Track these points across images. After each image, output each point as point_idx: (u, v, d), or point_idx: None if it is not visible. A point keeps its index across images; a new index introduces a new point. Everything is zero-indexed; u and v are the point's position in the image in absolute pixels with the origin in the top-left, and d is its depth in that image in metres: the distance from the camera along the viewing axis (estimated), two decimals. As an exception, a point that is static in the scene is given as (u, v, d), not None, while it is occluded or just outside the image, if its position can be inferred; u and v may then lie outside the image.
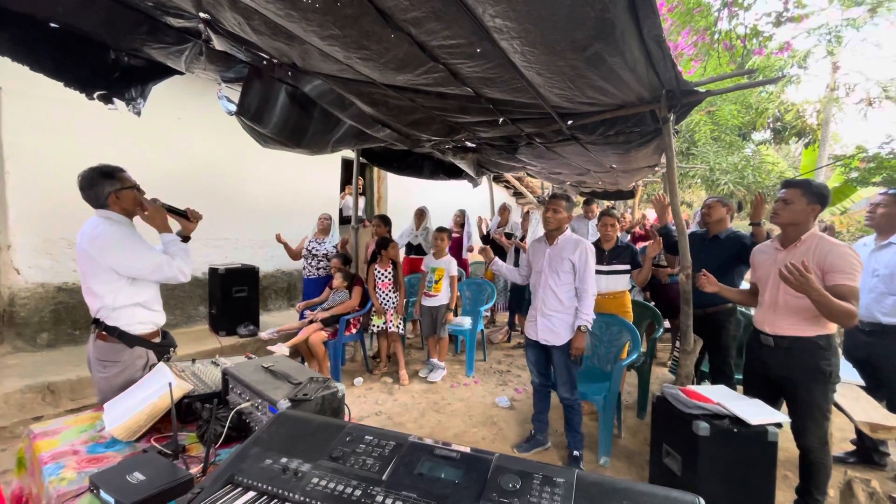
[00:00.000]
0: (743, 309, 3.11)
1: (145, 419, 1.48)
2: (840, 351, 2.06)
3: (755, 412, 1.87)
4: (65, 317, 3.96)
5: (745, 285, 2.82)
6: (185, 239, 2.04)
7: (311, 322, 3.89)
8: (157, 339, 1.99)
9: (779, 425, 1.84)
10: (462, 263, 5.85)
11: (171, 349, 2.03)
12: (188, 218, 2.05)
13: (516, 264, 4.43)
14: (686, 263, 2.62)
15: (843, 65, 8.85)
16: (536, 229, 5.03)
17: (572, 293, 2.65)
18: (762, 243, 2.38)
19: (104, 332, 1.83)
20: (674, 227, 2.90)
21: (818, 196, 2.03)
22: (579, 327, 2.58)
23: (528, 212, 5.36)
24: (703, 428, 1.82)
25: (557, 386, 2.72)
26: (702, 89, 2.57)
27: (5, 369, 3.36)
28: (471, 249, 5.77)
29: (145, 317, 1.91)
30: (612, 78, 2.13)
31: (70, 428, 1.52)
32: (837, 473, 2.43)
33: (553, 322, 2.65)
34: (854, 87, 8.40)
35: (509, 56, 1.92)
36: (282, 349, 3.61)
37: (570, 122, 2.97)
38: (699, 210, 3.32)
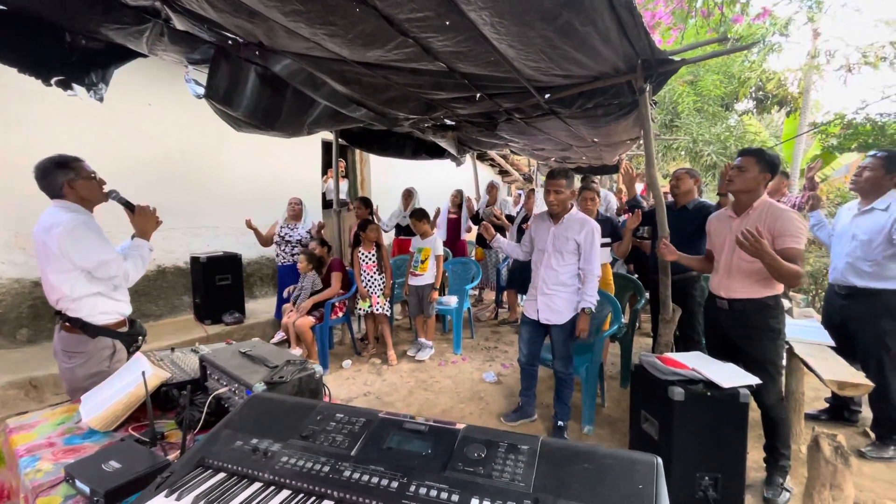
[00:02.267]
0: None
1: (122, 409, 1.47)
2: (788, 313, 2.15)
3: (727, 376, 1.93)
4: (43, 311, 3.88)
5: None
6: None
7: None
8: (124, 329, 1.96)
9: (750, 388, 1.90)
10: (461, 244, 5.84)
11: (140, 338, 2.01)
12: (133, 211, 1.99)
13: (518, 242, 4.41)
14: (663, 234, 2.64)
15: (823, 31, 8.84)
16: (542, 208, 5.01)
17: (575, 272, 2.64)
18: (717, 212, 2.44)
19: (67, 324, 1.81)
20: (643, 200, 2.92)
21: (770, 164, 2.10)
22: (583, 309, 2.58)
23: (531, 191, 5.33)
24: (677, 393, 1.87)
25: (554, 361, 2.74)
26: (677, 58, 2.55)
27: (-15, 367, 3.31)
28: (469, 230, 5.76)
29: (108, 306, 1.88)
30: (585, 48, 2.10)
31: (47, 421, 1.51)
32: (809, 430, 2.53)
33: (554, 301, 2.64)
34: (834, 54, 8.40)
35: (480, 28, 1.88)
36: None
37: (547, 96, 2.94)
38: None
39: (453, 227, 5.87)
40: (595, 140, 4.68)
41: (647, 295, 3.81)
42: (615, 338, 3.46)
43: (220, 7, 1.83)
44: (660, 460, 0.79)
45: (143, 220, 1.99)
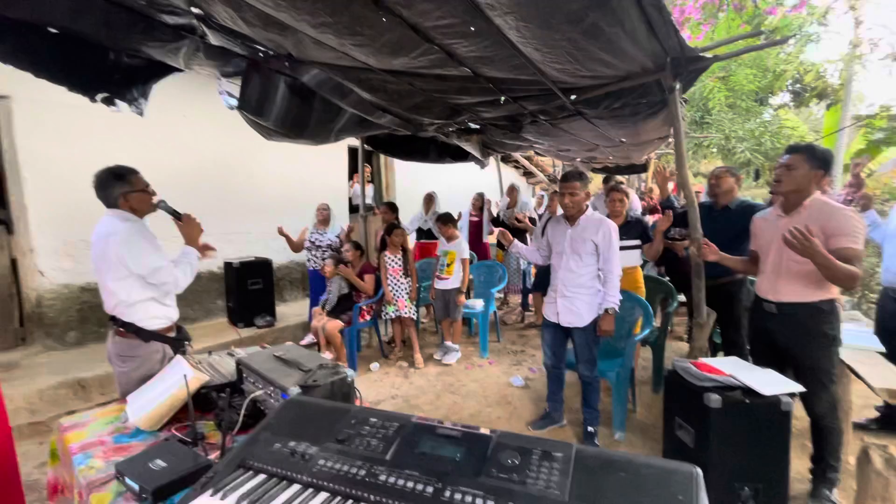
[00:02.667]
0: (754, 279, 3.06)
1: (166, 410, 1.54)
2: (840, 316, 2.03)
3: (768, 382, 1.85)
4: (90, 315, 4.10)
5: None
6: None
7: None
8: (172, 334, 2.06)
9: (793, 395, 1.82)
10: (483, 247, 5.83)
11: (186, 343, 2.10)
12: (180, 219, 2.09)
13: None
14: (696, 235, 2.57)
15: (866, 19, 8.40)
16: None
17: (594, 274, 2.61)
18: (763, 211, 2.33)
19: (121, 329, 1.90)
20: (676, 200, 2.84)
21: (821, 161, 1.98)
22: (606, 310, 2.55)
23: (555, 192, 5.28)
24: (714, 400, 1.81)
25: (578, 364, 2.70)
26: (709, 54, 2.48)
27: (38, 367, 3.52)
28: (491, 232, 5.75)
29: (159, 311, 1.98)
30: (612, 49, 2.07)
31: (97, 420, 1.60)
32: (858, 441, 2.41)
33: (574, 304, 2.61)
34: (878, 43, 7.97)
35: (505, 33, 1.88)
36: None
37: (573, 97, 2.91)
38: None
39: (475, 231, 5.86)
40: (623, 140, 4.59)
41: (681, 297, 3.71)
42: (646, 342, 3.38)
43: (252, 22, 1.90)
44: (699, 471, 0.77)
45: (190, 227, 2.10)
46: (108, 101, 2.56)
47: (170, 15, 2.06)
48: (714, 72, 9.22)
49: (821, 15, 7.98)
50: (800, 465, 2.26)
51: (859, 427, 2.80)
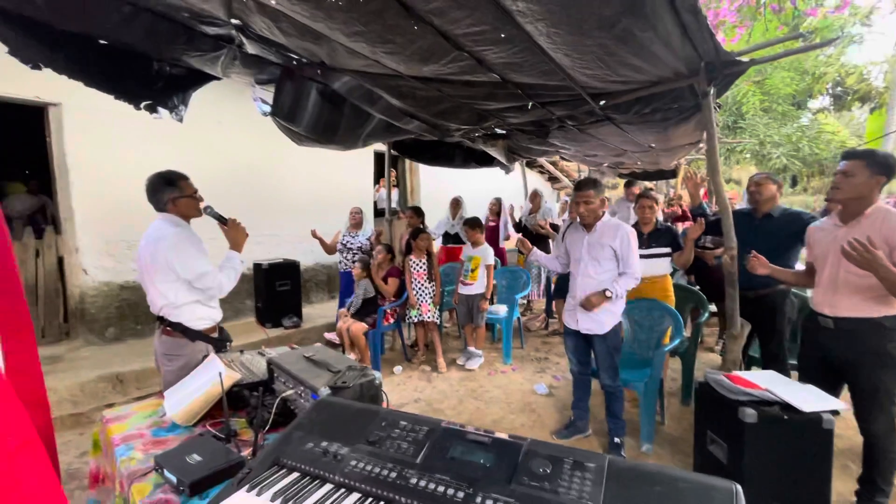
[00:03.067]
0: (796, 290, 2.93)
1: (200, 406, 1.60)
2: None
3: (808, 398, 1.77)
4: (128, 313, 4.28)
5: (800, 266, 2.65)
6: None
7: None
8: (215, 335, 2.13)
9: (835, 412, 1.74)
10: (499, 252, 5.81)
11: (228, 343, 2.17)
12: (225, 223, 2.16)
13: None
14: (730, 244, 2.49)
15: (913, 19, 7.99)
16: None
17: (613, 280, 2.57)
18: (819, 220, 2.22)
19: (168, 328, 1.98)
20: (708, 207, 2.76)
21: (883, 167, 1.87)
22: (605, 291, 2.51)
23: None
24: (749, 415, 1.75)
25: (599, 373, 2.67)
26: (746, 58, 2.41)
27: (80, 361, 3.69)
28: (507, 238, 5.73)
29: (205, 313, 2.05)
30: (644, 54, 2.05)
31: (136, 413, 1.67)
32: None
33: (594, 311, 2.58)
34: (927, 43, 7.57)
35: (535, 39, 1.88)
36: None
37: (602, 103, 2.88)
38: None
39: (492, 235, 5.84)
40: (652, 145, 4.50)
41: (712, 308, 3.60)
42: (676, 352, 3.29)
43: (288, 32, 1.96)
44: (739, 488, 0.75)
45: (235, 232, 2.15)
46: (151, 109, 2.68)
47: (210, 26, 2.15)
48: (749, 76, 8.95)
49: (864, 15, 7.64)
50: (840, 486, 2.16)
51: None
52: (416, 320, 4.17)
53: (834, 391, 1.99)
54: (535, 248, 2.94)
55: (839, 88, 9.55)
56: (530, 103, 2.89)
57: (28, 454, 0.59)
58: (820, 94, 9.53)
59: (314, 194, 5.86)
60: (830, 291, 1.99)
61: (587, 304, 2.53)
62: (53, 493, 0.63)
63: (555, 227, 5.22)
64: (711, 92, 2.45)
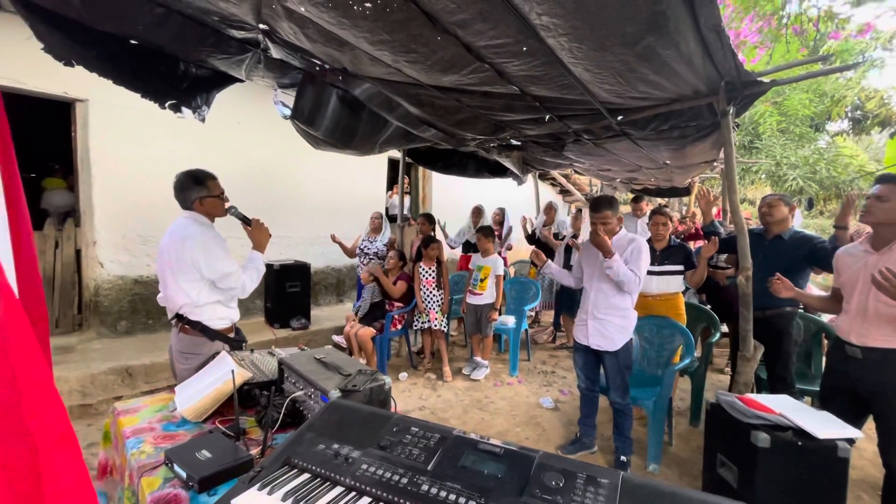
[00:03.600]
0: (801, 310, 2.89)
1: (210, 402, 1.61)
2: None
3: (823, 425, 1.74)
4: (140, 307, 4.34)
5: (814, 290, 2.63)
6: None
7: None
8: (232, 335, 2.14)
9: (851, 441, 1.70)
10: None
11: (244, 344, 2.18)
12: (249, 224, 2.17)
13: (566, 265, 4.30)
14: (746, 265, 2.47)
15: (936, 45, 7.90)
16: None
17: (626, 297, 2.55)
18: (849, 245, 2.17)
19: (187, 326, 1.99)
20: (722, 226, 2.74)
21: None
22: (613, 253, 2.43)
23: (579, 210, 5.22)
24: (762, 439, 1.71)
25: (609, 390, 2.63)
26: (767, 79, 2.41)
27: (92, 353, 3.74)
28: (510, 248, 5.72)
29: (224, 313, 2.07)
30: (665, 71, 2.05)
31: (147, 407, 1.68)
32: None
33: (605, 326, 2.55)
34: (950, 70, 7.48)
35: (556, 53, 1.90)
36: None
37: (620, 118, 2.89)
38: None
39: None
40: (667, 162, 4.49)
41: (724, 328, 3.55)
42: (686, 372, 3.24)
43: (314, 38, 2.00)
44: (757, 512, 0.73)
45: (259, 232, 2.16)
46: (175, 108, 2.74)
47: (238, 30, 2.20)
48: (767, 97, 8.90)
49: (886, 40, 7.58)
50: (854, 519, 2.10)
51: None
52: (423, 327, 4.16)
53: (858, 422, 1.94)
54: (549, 261, 2.91)
55: (858, 112, 9.45)
56: (547, 116, 2.91)
57: (65, 448, 0.61)
58: (839, 117, 9.43)
59: (328, 198, 5.91)
60: (859, 320, 1.93)
61: (594, 238, 2.44)
62: (86, 487, 0.64)
63: (558, 237, 5.17)
64: (731, 111, 2.45)
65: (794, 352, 2.74)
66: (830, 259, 2.36)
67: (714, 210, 5.51)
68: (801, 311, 2.86)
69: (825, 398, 2.15)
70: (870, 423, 1.99)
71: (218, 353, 2.04)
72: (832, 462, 1.68)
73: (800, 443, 1.71)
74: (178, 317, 2.01)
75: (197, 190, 2.02)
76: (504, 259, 5.73)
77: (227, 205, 2.13)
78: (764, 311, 2.69)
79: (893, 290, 1.62)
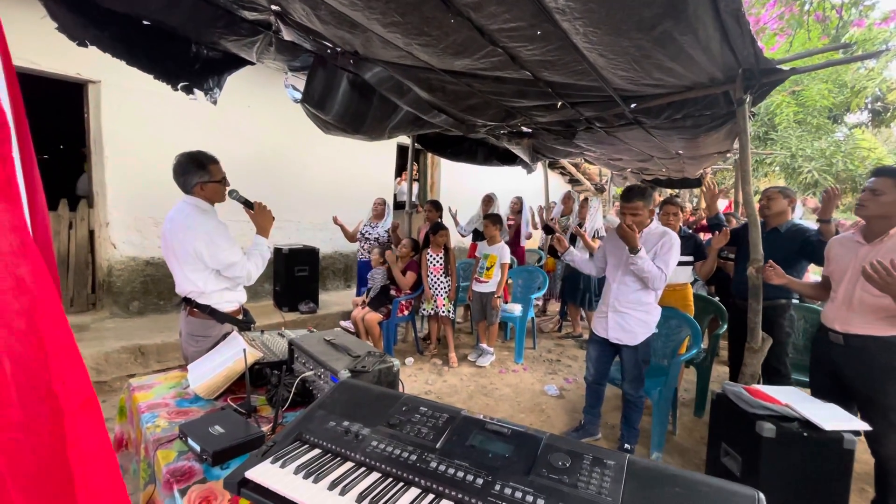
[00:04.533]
0: (797, 302, 2.89)
1: (222, 380, 1.64)
2: None
3: (829, 417, 1.74)
4: (151, 288, 4.41)
5: (811, 279, 2.64)
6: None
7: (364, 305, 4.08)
8: (240, 316, 2.16)
9: (857, 433, 1.70)
10: (519, 251, 5.78)
11: (252, 325, 2.21)
12: (252, 208, 2.12)
13: None
14: (756, 256, 2.45)
15: (964, 35, 7.64)
16: (595, 217, 4.84)
17: (651, 292, 2.50)
18: (841, 234, 2.18)
19: (195, 309, 2.01)
20: (735, 218, 2.72)
21: None
22: (640, 249, 2.35)
23: (585, 199, 5.18)
24: (767, 429, 1.72)
25: (623, 382, 2.61)
26: (786, 67, 2.36)
27: (105, 331, 3.82)
28: (528, 237, 5.71)
29: (232, 296, 2.08)
30: (681, 58, 2.01)
31: (161, 384, 1.72)
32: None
33: (627, 320, 2.51)
34: (977, 61, 7.25)
35: (571, 37, 1.87)
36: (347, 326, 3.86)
37: (633, 106, 2.85)
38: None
39: (512, 234, 5.81)
40: (679, 152, 4.43)
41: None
42: (691, 363, 3.24)
43: (326, 20, 1.99)
44: (762, 496, 0.75)
45: (262, 216, 2.12)
46: (188, 90, 2.74)
47: (250, 11, 2.19)
48: (785, 86, 8.69)
49: (911, 29, 7.34)
50: (856, 510, 2.11)
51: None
52: (429, 313, 4.19)
53: (845, 408, 1.95)
54: (571, 248, 2.88)
55: (879, 104, 9.22)
56: (560, 102, 2.88)
57: (88, 412, 0.63)
58: (858, 109, 9.20)
59: (337, 183, 5.92)
60: (844, 308, 1.98)
61: (621, 231, 2.35)
62: (107, 452, 0.66)
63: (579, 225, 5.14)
64: (747, 100, 2.40)
65: (787, 342, 2.76)
66: (819, 251, 2.40)
67: (726, 202, 5.45)
68: (797, 302, 2.87)
69: (814, 386, 2.19)
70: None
71: (228, 333, 2.08)
72: (837, 454, 1.68)
73: (805, 434, 1.71)
74: (187, 300, 2.03)
75: (198, 174, 1.96)
76: (521, 249, 5.73)
77: (228, 188, 2.09)
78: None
79: (882, 283, 1.65)
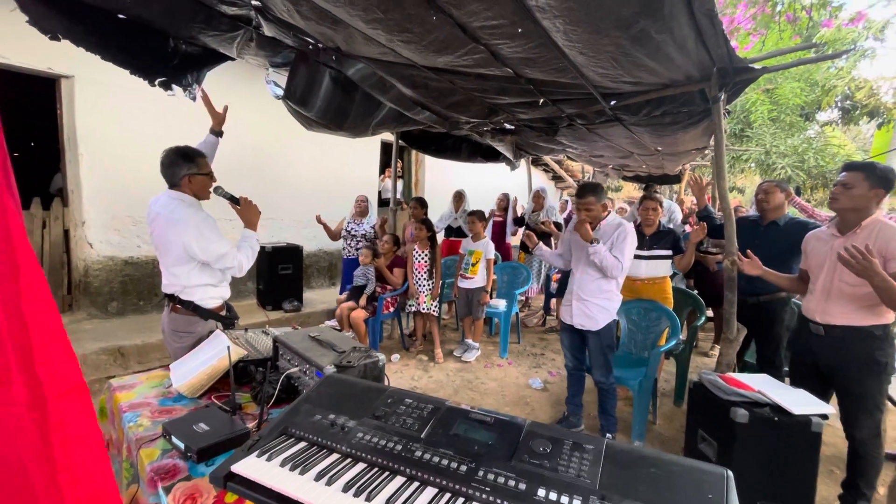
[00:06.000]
0: (796, 299, 2.97)
1: (206, 379, 1.63)
2: None
3: (798, 402, 1.82)
4: (131, 288, 4.32)
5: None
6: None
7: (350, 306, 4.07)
8: (224, 312, 2.15)
9: (824, 416, 1.78)
10: (505, 247, 5.84)
11: (235, 321, 2.19)
12: (238, 203, 2.12)
13: None
14: (732, 249, 2.53)
15: (927, 35, 7.96)
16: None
17: (611, 280, 2.61)
18: (817, 229, 2.26)
19: (178, 305, 1.99)
20: (715, 211, 2.80)
21: (882, 180, 1.91)
22: (595, 239, 2.50)
23: (566, 201, 5.27)
24: (741, 415, 1.79)
25: (593, 370, 2.72)
26: (758, 66, 2.43)
27: (82, 333, 3.73)
28: (514, 233, 5.77)
29: (215, 292, 2.07)
30: (658, 56, 2.07)
31: (143, 383, 1.70)
32: (889, 471, 2.33)
33: (588, 307, 2.62)
34: (939, 61, 7.55)
35: (551, 35, 1.90)
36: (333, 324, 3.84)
37: (613, 103, 2.90)
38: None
39: (499, 231, 5.88)
40: (658, 149, 4.53)
41: (708, 313, 3.64)
42: (671, 354, 3.33)
43: (307, 16, 1.98)
44: (730, 473, 0.79)
45: (249, 211, 2.12)
46: (165, 86, 2.69)
47: (230, 6, 2.16)
48: (759, 84, 8.92)
49: (878, 30, 7.61)
50: (824, 491, 2.21)
51: (891, 458, 2.70)
52: (415, 309, 4.20)
53: (823, 396, 2.04)
54: (540, 243, 2.97)
55: (848, 102, 9.53)
56: (542, 99, 2.92)
57: (75, 399, 0.63)
58: (828, 107, 9.50)
59: (320, 180, 5.88)
60: (822, 299, 2.04)
61: (577, 226, 2.54)
62: (96, 440, 0.66)
63: (557, 226, 5.25)
64: (722, 97, 2.47)
65: (784, 336, 2.81)
66: None
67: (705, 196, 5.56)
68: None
69: (794, 374, 2.26)
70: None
71: (212, 331, 2.06)
72: (806, 436, 1.76)
73: (776, 418, 1.78)
74: (170, 296, 2.01)
75: (187, 166, 1.97)
76: (507, 245, 5.79)
77: (213, 185, 2.10)
78: (759, 296, 2.76)
79: (858, 267, 1.71)
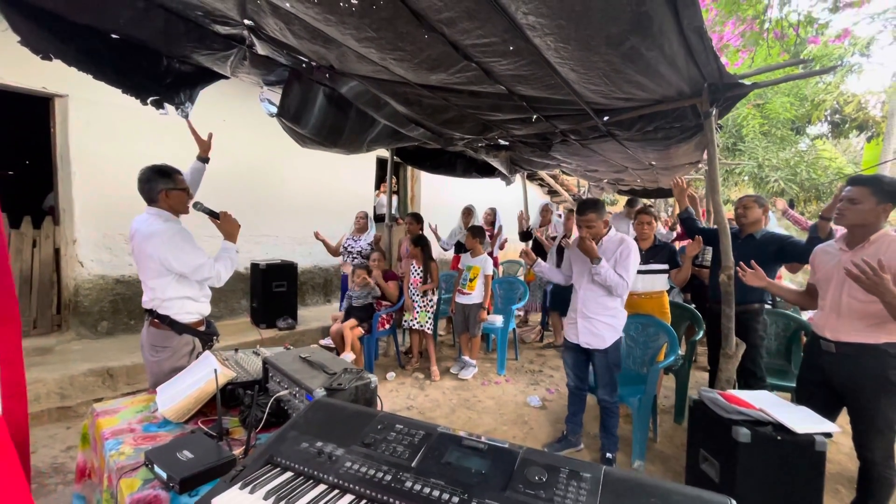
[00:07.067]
0: (769, 307, 2.99)
1: (193, 403, 1.58)
2: None
3: (801, 420, 1.78)
4: (122, 307, 4.25)
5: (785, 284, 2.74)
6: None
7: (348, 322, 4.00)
8: (202, 328, 2.12)
9: (828, 435, 1.74)
10: (493, 261, 5.80)
11: (215, 337, 2.16)
12: (217, 218, 2.15)
13: (558, 265, 4.32)
14: (728, 263, 2.51)
15: (911, 51, 8.15)
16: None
17: (616, 297, 2.56)
18: (825, 243, 2.22)
19: (156, 320, 1.98)
20: (694, 212, 2.85)
21: (889, 193, 1.86)
22: (599, 259, 2.45)
23: (570, 210, 5.26)
24: (743, 434, 1.75)
25: (597, 388, 2.66)
26: (748, 81, 2.46)
27: (71, 354, 3.65)
28: (502, 247, 5.74)
29: (193, 307, 2.06)
30: (649, 72, 2.08)
31: (127, 408, 1.65)
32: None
33: (595, 325, 2.57)
34: (924, 76, 7.72)
35: (543, 53, 1.91)
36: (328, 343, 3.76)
37: (606, 119, 2.92)
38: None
39: None
40: (652, 163, 4.55)
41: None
42: (670, 370, 3.29)
43: (300, 35, 1.98)
44: (734, 503, 0.75)
45: (229, 224, 2.16)
46: (158, 105, 2.69)
47: (223, 25, 2.17)
48: (750, 99, 9.08)
49: (864, 46, 7.79)
50: (831, 511, 2.15)
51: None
52: (410, 326, 4.15)
53: (832, 415, 1.99)
54: (539, 260, 2.95)
55: (837, 116, 9.69)
56: (535, 116, 2.93)
57: None
58: (818, 121, 9.66)
59: (315, 197, 5.87)
60: (833, 315, 1.98)
61: (581, 244, 2.48)
62: (21, 498, 0.62)
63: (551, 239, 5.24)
64: (713, 113, 2.49)
65: (761, 346, 2.83)
66: (801, 251, 2.52)
67: (700, 211, 5.58)
68: (769, 307, 2.96)
69: (802, 392, 2.20)
70: (845, 419, 2.04)
71: (192, 348, 2.03)
72: (810, 456, 1.72)
73: (779, 437, 1.74)
74: (149, 311, 2.01)
75: (163, 182, 2.01)
76: (495, 259, 5.75)
77: (192, 201, 2.12)
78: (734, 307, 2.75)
79: (867, 282, 1.65)
